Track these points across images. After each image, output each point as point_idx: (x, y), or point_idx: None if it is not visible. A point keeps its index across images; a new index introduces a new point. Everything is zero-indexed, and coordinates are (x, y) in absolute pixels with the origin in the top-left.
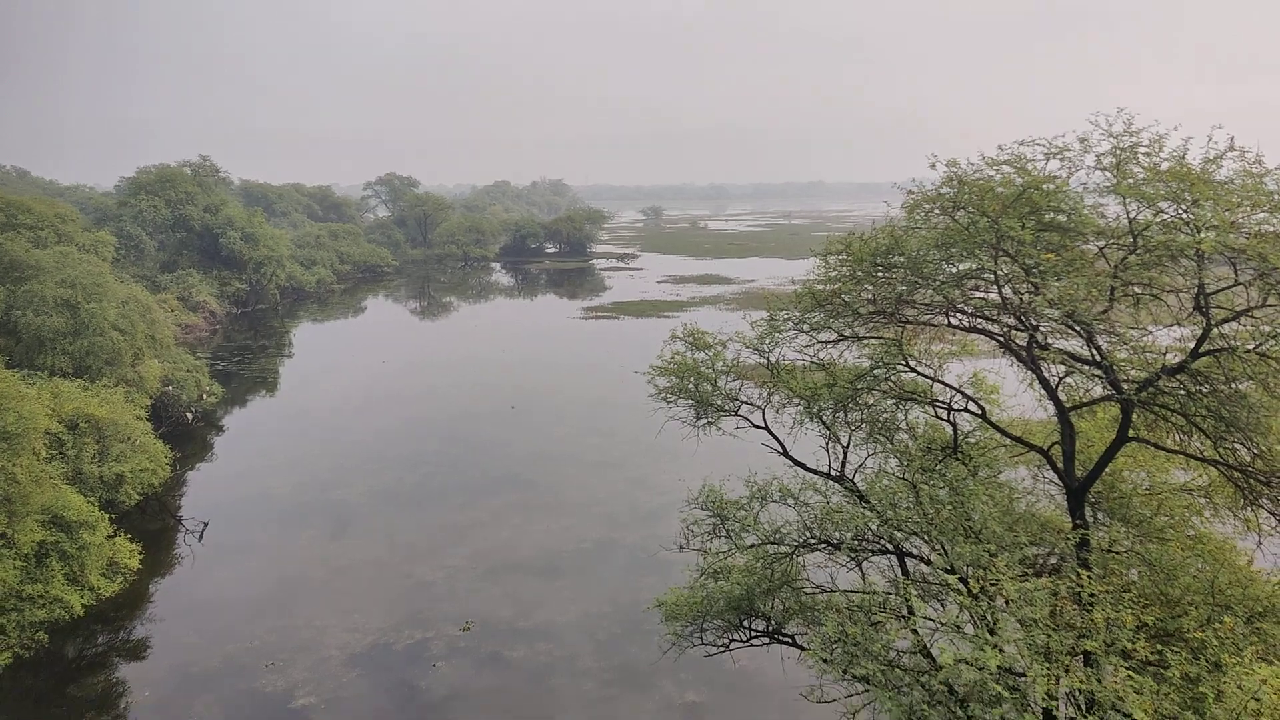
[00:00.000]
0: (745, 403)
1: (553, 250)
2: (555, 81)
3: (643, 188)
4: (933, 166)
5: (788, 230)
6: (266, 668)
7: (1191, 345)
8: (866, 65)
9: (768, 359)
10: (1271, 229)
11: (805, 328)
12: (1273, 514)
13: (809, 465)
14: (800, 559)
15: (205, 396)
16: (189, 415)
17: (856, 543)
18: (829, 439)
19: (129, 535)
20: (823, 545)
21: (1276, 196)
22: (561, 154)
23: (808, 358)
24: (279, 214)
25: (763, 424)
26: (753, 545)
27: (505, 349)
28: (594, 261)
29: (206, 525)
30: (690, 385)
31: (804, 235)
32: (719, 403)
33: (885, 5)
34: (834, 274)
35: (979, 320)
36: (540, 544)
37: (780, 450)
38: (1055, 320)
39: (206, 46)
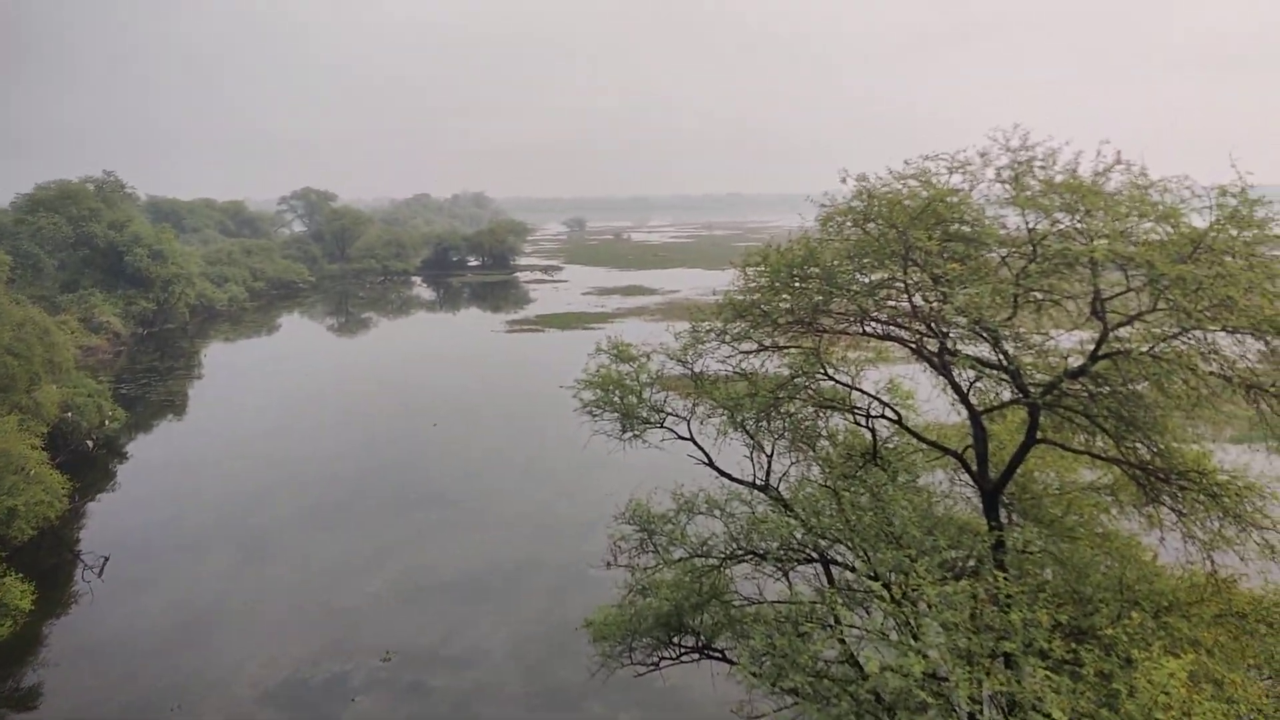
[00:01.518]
0: (670, 414)
1: (475, 263)
2: (477, 92)
3: (565, 200)
4: (843, 181)
5: (709, 241)
6: (172, 711)
7: (1091, 348)
8: (783, 77)
9: (691, 370)
10: (1158, 237)
11: (727, 338)
12: (1173, 510)
13: (734, 475)
14: (728, 571)
15: (107, 422)
16: (89, 443)
17: (782, 552)
18: (753, 448)
19: (21, 574)
20: (749, 556)
21: (1161, 207)
22: (483, 166)
23: (730, 368)
24: (189, 230)
25: (688, 435)
26: (680, 559)
27: (427, 365)
28: (518, 274)
29: (107, 559)
30: (615, 398)
31: (725, 246)
32: (644, 415)
33: (807, 11)
34: (753, 285)
35: (892, 328)
36: (464, 564)
37: (706, 461)
38: (963, 327)
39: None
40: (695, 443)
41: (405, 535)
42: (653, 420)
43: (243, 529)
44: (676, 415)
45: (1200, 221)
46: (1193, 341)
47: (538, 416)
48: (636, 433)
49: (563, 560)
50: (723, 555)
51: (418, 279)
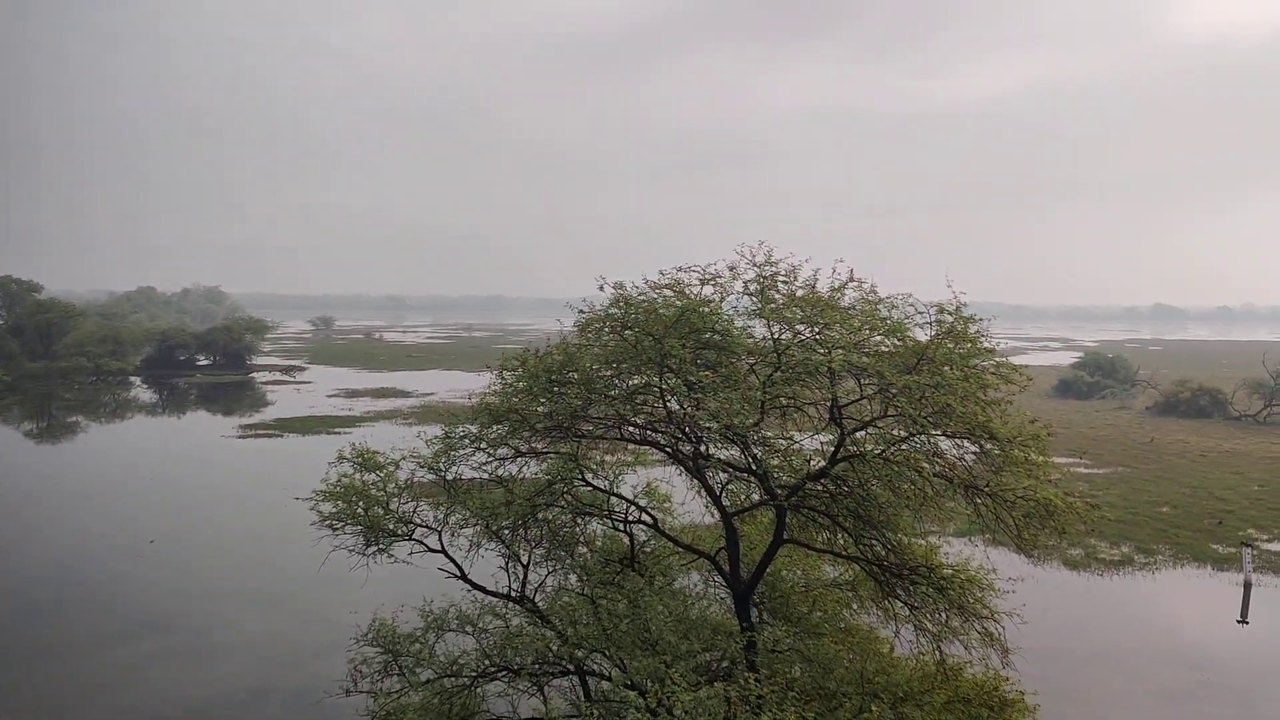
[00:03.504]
0: (420, 525)
1: (206, 362)
2: (215, 178)
3: (313, 296)
4: (601, 288)
5: (468, 343)
6: None
7: (831, 452)
8: (550, 178)
9: (444, 477)
10: (887, 349)
11: (483, 444)
12: (906, 603)
13: (488, 588)
14: (480, 690)
15: None
16: None
17: (537, 667)
18: (509, 558)
19: None
20: (503, 673)
21: (889, 322)
22: (220, 260)
23: (486, 474)
24: None
25: (439, 547)
26: (428, 681)
27: (144, 475)
28: (255, 374)
29: None
30: (359, 510)
31: (485, 348)
32: (391, 527)
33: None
34: (510, 389)
35: (649, 432)
36: (181, 699)
37: (458, 574)
38: (715, 431)
39: None
40: (447, 554)
41: (113, 670)
42: (400, 532)
43: None
44: (427, 526)
45: (923, 335)
46: (918, 445)
47: (271, 531)
48: (382, 546)
49: (297, 688)
50: (474, 674)
51: (137, 379)
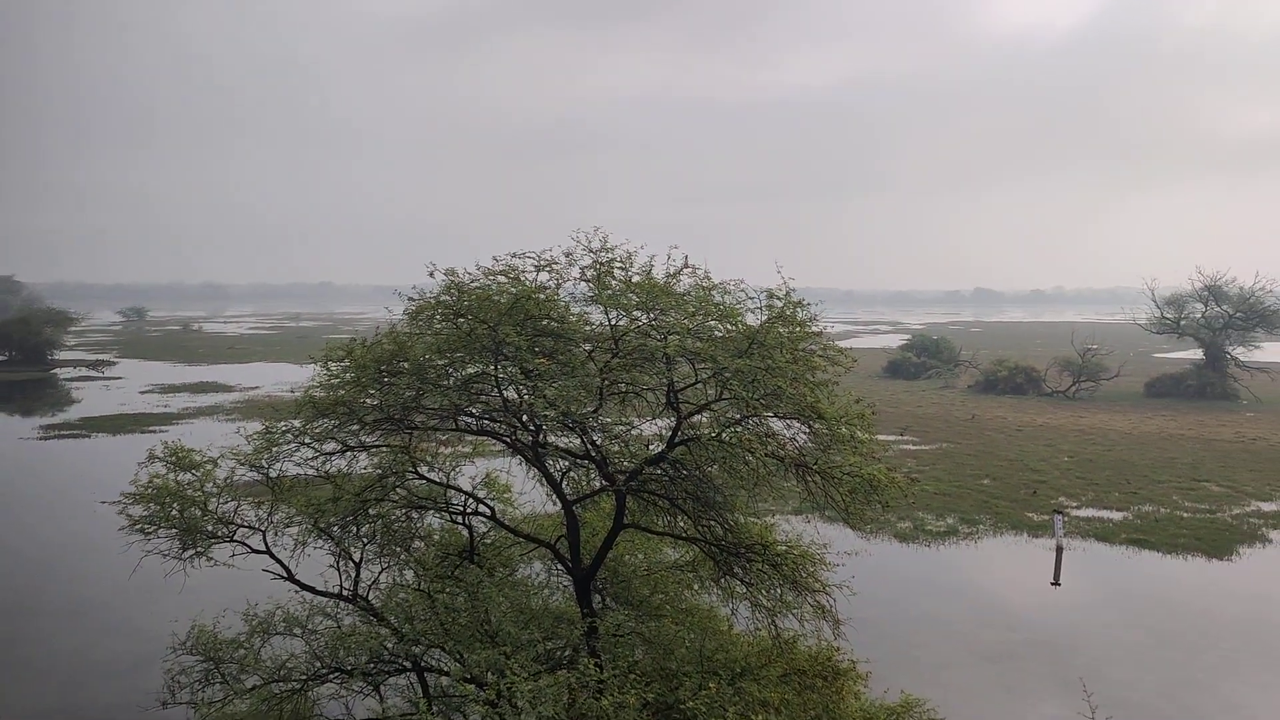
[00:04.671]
0: (242, 525)
1: (1, 359)
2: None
3: (124, 285)
4: (431, 275)
5: (295, 333)
6: None
7: (669, 436)
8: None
9: (267, 475)
10: (721, 334)
11: (308, 439)
12: (743, 581)
13: (318, 588)
14: (311, 693)
15: None
16: None
17: (372, 666)
18: (339, 556)
19: None
20: (335, 674)
21: (722, 307)
22: (12, 247)
23: (314, 470)
24: None
25: (264, 548)
26: (254, 688)
27: None
28: (57, 371)
29: None
30: (174, 511)
31: (313, 338)
32: (210, 528)
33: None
34: (337, 381)
35: (486, 422)
36: None
37: (285, 575)
38: (554, 419)
39: None
40: (272, 555)
41: None
42: (220, 534)
43: None
44: (249, 526)
45: (754, 320)
46: (751, 427)
47: (75, 538)
48: (200, 550)
49: (108, 704)
50: (304, 677)
51: None
